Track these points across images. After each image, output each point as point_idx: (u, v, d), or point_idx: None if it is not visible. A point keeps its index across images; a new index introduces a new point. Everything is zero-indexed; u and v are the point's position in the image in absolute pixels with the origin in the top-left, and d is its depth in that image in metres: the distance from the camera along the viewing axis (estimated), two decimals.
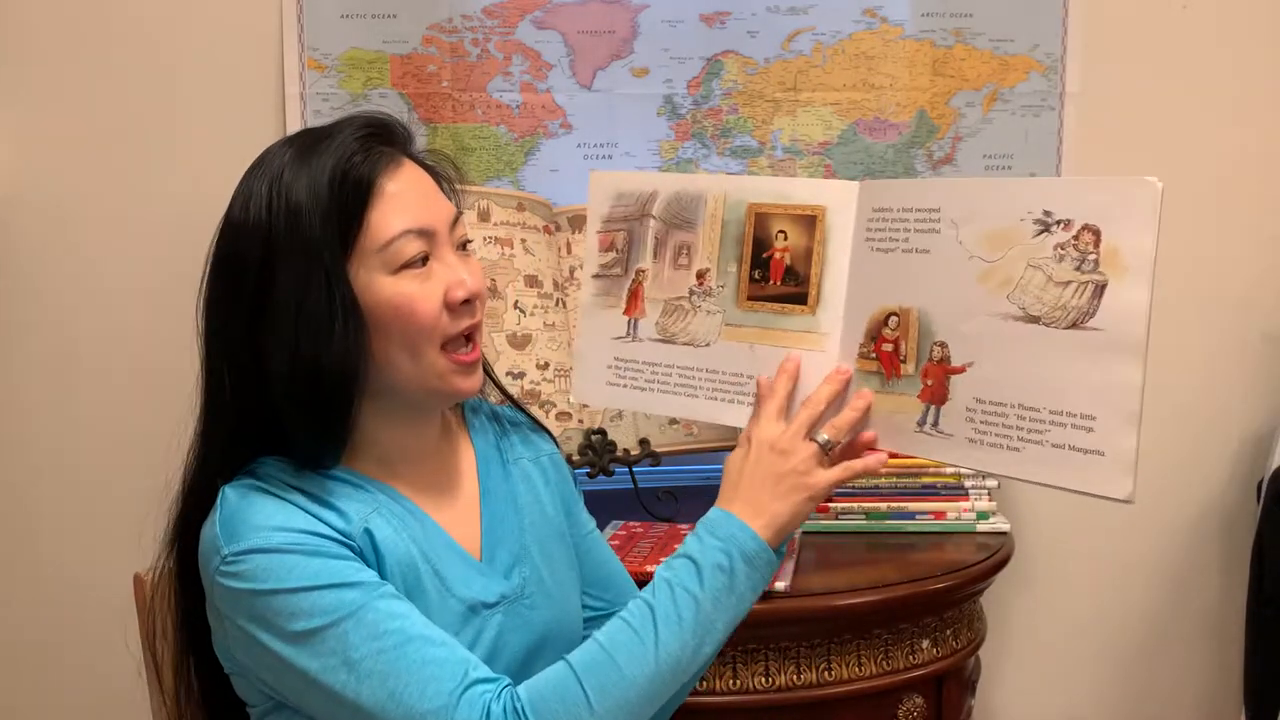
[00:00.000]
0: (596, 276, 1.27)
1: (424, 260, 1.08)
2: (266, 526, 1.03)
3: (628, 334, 1.24)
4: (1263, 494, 1.96)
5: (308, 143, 1.10)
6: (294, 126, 1.86)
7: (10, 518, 1.92)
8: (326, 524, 1.05)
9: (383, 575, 1.06)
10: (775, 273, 1.17)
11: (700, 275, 1.21)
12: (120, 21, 1.85)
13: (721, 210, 1.20)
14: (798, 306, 1.16)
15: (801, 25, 1.93)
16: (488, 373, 1.27)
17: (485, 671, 1.03)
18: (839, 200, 1.15)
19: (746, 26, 1.93)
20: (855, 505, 1.78)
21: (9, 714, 1.95)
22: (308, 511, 1.05)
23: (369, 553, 1.06)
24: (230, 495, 1.06)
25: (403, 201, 1.08)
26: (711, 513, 1.11)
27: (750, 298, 1.19)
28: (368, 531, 1.07)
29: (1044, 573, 2.09)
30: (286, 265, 1.05)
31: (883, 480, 1.78)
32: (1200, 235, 2.05)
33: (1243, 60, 2.03)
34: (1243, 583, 2.00)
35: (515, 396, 1.33)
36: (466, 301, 1.09)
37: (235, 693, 1.13)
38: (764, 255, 1.18)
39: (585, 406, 1.78)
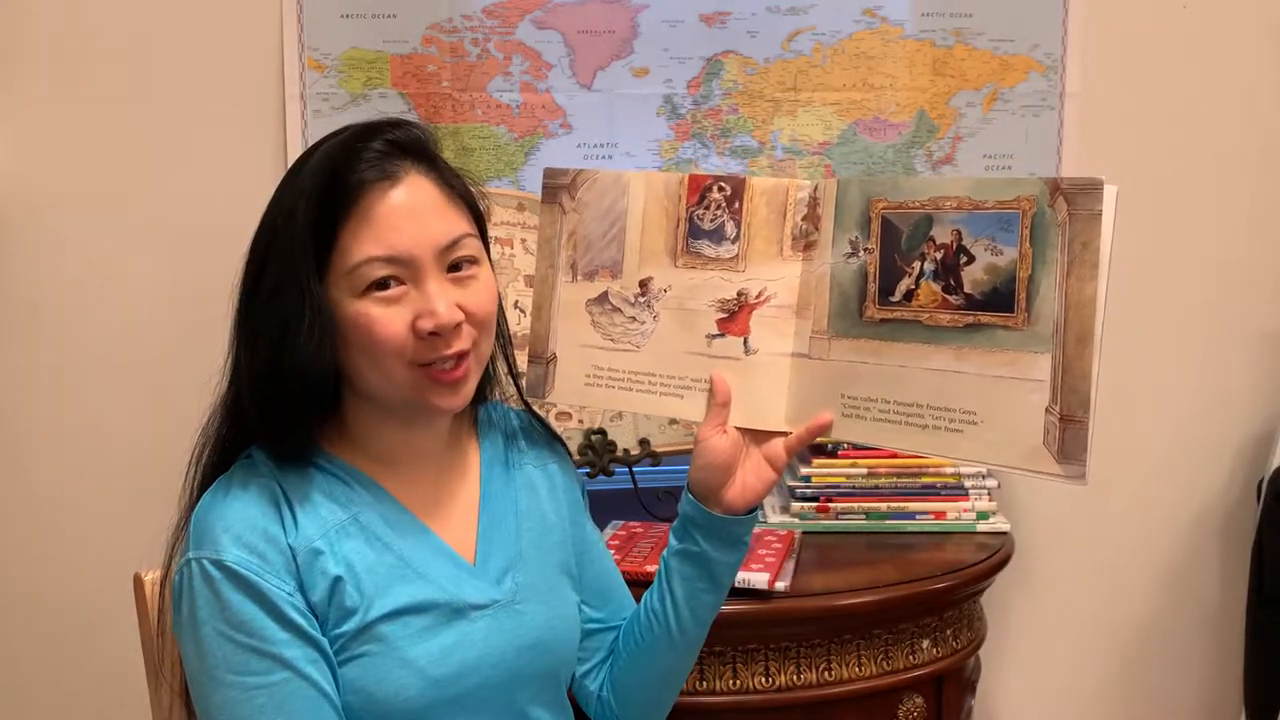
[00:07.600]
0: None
1: (395, 283, 1.08)
2: (222, 538, 1.05)
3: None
4: (1263, 494, 1.96)
5: (325, 146, 1.11)
6: (294, 126, 1.86)
7: (10, 518, 1.92)
8: (282, 529, 1.07)
9: (316, 592, 1.07)
10: None
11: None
12: (119, 21, 1.85)
13: None
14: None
15: (801, 25, 1.93)
16: (514, 378, 1.28)
17: None
18: None
19: (746, 26, 1.93)
20: (855, 505, 1.78)
21: (10, 713, 1.95)
22: (274, 511, 1.07)
23: (307, 571, 1.07)
24: (213, 490, 1.10)
25: (380, 226, 1.07)
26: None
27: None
28: (315, 551, 1.07)
29: (1044, 573, 2.09)
30: (273, 265, 1.08)
31: (883, 480, 1.78)
32: (1200, 235, 2.05)
33: (1243, 60, 2.03)
34: (1243, 583, 2.00)
35: (531, 405, 1.32)
36: (435, 333, 1.08)
37: None
38: None
39: (585, 406, 1.78)
